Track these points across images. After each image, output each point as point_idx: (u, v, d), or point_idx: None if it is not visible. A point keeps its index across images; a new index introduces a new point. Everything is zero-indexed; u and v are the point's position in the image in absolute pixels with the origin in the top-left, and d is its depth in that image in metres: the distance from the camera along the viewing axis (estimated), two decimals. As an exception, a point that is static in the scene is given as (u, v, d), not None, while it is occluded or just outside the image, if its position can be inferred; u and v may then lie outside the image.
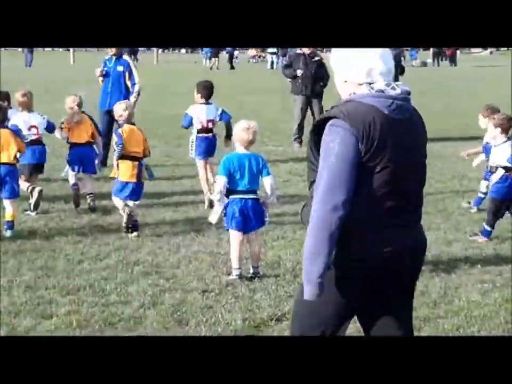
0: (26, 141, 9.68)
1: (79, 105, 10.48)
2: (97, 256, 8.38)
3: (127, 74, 13.70)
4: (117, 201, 9.47)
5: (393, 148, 3.75)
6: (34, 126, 10.33)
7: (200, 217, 9.94)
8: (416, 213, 3.99)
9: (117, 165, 9.41)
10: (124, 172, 9.36)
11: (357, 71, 3.86)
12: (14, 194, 9.19)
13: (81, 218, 10.03)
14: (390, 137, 3.74)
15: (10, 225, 9.15)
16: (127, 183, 9.33)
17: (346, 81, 3.95)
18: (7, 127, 9.29)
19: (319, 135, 3.85)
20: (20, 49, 76.61)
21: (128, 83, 13.57)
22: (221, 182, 7.56)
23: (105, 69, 13.91)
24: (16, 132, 9.30)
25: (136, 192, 9.41)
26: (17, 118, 10.15)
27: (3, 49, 49.70)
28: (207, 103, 10.90)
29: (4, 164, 9.04)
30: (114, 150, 9.39)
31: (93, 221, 9.94)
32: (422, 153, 4.00)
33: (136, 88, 13.64)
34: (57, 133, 10.60)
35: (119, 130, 9.47)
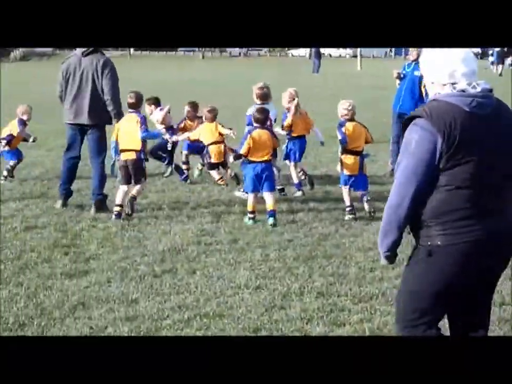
0: None
1: (353, 111, 10.72)
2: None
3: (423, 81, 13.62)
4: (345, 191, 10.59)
5: (476, 143, 4.14)
6: None
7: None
8: (508, 199, 4.28)
9: (340, 160, 10.56)
10: (348, 165, 10.51)
11: (441, 73, 4.30)
12: (273, 187, 10.38)
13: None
14: (471, 133, 4.14)
15: (272, 213, 10.10)
16: (351, 175, 10.52)
17: (433, 83, 4.40)
18: (267, 128, 10.43)
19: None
20: (306, 55, 78.39)
21: (423, 90, 13.44)
22: None
23: (403, 72, 14.09)
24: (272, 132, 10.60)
25: (362, 183, 10.62)
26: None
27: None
28: None
29: (262, 161, 10.20)
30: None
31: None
32: (508, 144, 4.27)
33: None
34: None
35: (342, 128, 10.44)
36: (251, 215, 10.19)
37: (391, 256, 4.47)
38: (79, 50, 10.82)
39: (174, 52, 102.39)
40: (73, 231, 9.70)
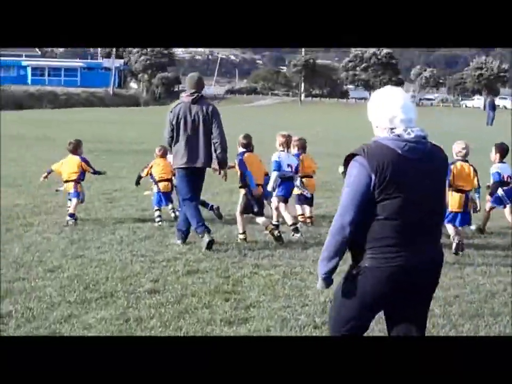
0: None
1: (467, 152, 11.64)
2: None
3: None
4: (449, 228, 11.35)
5: (404, 181, 4.77)
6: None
7: None
8: (430, 235, 4.95)
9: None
10: (452, 202, 11.41)
11: (383, 119, 4.90)
12: None
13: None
14: (401, 173, 4.76)
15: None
16: (455, 212, 11.43)
17: (377, 127, 5.00)
18: None
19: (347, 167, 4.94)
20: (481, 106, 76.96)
21: None
22: None
23: None
24: None
25: (465, 219, 11.58)
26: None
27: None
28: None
29: None
30: None
31: None
32: (435, 185, 4.93)
33: None
34: None
35: (451, 166, 11.18)
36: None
37: (329, 279, 5.12)
38: (186, 98, 11.56)
39: (345, 100, 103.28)
40: (235, 277, 9.89)
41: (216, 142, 11.45)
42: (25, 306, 8.24)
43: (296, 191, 13.13)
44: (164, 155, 13.97)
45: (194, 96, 11.51)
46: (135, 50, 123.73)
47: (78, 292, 8.88)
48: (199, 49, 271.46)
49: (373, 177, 4.75)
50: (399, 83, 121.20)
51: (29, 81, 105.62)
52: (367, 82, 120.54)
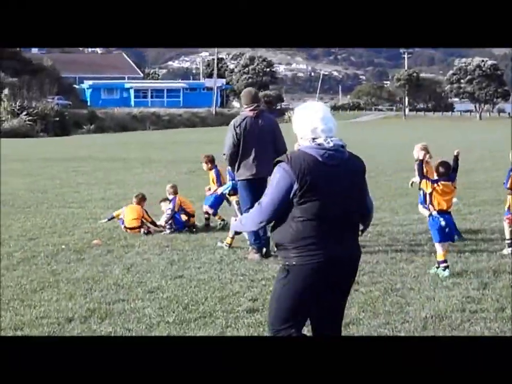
0: None
1: None
2: None
3: None
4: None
5: (323, 185, 5.39)
6: None
7: None
8: (349, 232, 5.61)
9: None
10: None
11: (306, 130, 5.54)
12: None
13: None
14: (320, 177, 5.39)
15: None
16: None
17: (301, 138, 5.63)
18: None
19: None
20: None
21: None
22: None
23: None
24: None
25: None
26: None
27: None
28: None
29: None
30: None
31: None
32: (352, 188, 5.55)
33: None
34: None
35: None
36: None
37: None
38: (250, 112, 11.95)
39: (450, 113, 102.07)
40: (334, 294, 9.87)
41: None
42: (125, 328, 8.43)
43: None
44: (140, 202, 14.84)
45: (257, 110, 11.96)
46: (236, 69, 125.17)
47: (177, 312, 9.02)
48: (302, 67, 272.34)
49: (295, 181, 5.40)
50: (506, 94, 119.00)
51: (132, 103, 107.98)
52: (472, 94, 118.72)
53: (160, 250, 12.71)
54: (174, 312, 9.02)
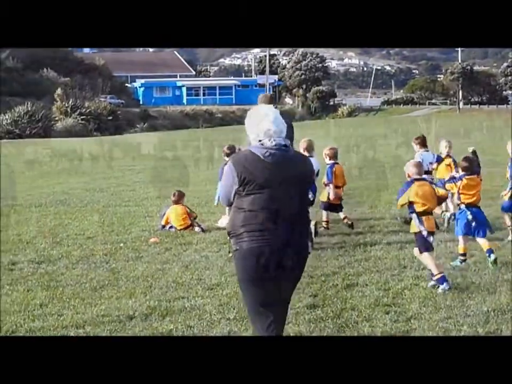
0: None
1: None
2: None
3: None
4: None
5: (264, 180, 6.04)
6: None
7: None
8: (291, 224, 6.12)
9: None
10: None
11: (255, 131, 6.18)
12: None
13: None
14: (261, 173, 6.04)
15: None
16: None
17: (253, 138, 6.23)
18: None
19: None
20: None
21: None
22: None
23: None
24: None
25: None
26: None
27: None
28: None
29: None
30: None
31: None
32: (294, 184, 6.13)
33: None
34: None
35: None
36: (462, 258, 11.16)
37: None
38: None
39: (505, 106, 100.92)
40: (395, 289, 9.85)
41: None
42: (186, 325, 8.49)
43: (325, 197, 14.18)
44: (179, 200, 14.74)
45: None
46: (289, 65, 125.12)
47: (238, 308, 9.06)
48: (354, 62, 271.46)
49: (236, 177, 6.09)
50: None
51: (184, 101, 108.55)
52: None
53: (218, 248, 12.78)
54: (234, 309, 9.06)
